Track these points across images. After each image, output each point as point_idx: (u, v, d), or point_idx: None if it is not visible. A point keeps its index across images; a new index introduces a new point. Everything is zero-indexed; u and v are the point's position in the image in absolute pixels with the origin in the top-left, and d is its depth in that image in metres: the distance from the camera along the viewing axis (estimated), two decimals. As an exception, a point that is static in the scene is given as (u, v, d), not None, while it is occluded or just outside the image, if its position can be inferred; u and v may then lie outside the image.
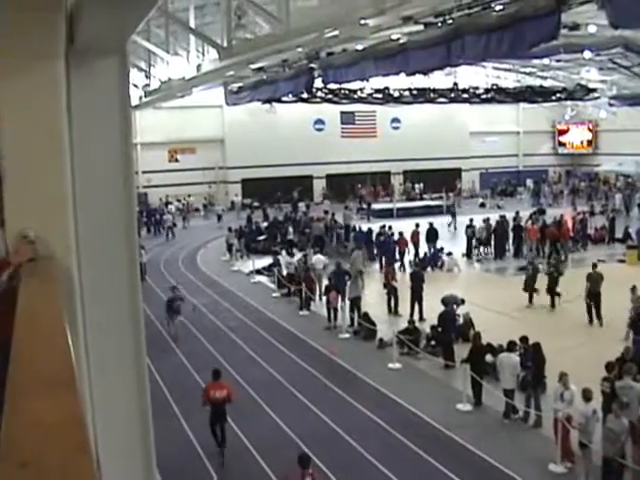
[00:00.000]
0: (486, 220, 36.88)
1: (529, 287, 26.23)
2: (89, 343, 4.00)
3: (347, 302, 24.69)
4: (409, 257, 33.98)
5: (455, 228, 42.47)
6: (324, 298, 26.20)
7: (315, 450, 14.98)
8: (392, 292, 26.10)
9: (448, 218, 44.09)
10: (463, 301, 23.46)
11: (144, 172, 54.03)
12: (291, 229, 40.47)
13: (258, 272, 33.96)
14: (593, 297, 24.10)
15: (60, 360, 1.84)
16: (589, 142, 68.15)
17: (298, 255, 33.47)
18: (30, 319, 2.28)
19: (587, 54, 33.08)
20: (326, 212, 44.74)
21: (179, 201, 56.04)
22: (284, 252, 37.22)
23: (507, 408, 16.58)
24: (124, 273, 4.50)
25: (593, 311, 23.89)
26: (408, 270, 30.46)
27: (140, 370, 4.61)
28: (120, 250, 4.44)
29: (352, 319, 24.34)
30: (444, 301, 22.54)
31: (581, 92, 48.77)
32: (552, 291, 25.82)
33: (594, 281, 24.39)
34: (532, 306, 25.89)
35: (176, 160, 59.30)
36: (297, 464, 12.18)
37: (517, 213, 38.75)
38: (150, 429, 4.64)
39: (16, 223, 3.23)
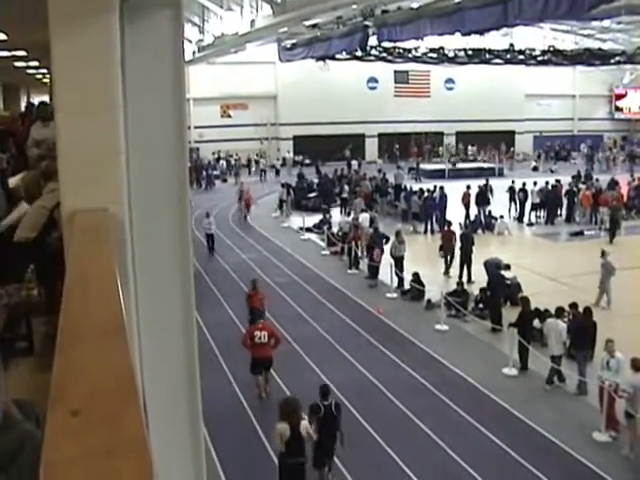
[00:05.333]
0: (543, 184, 36.41)
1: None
2: (139, 294, 4.06)
3: (392, 262, 24.62)
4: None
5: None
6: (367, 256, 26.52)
7: (357, 405, 15.19)
8: (449, 253, 25.96)
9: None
10: (508, 266, 23.28)
11: (196, 127, 54.30)
12: (347, 187, 40.36)
13: (308, 229, 34.01)
14: (614, 224, 30.90)
15: (110, 310, 1.87)
16: (647, 108, 66.58)
17: (352, 214, 33.47)
18: (81, 269, 2.32)
19: (650, 16, 32.21)
20: (379, 171, 44.69)
21: (231, 156, 55.86)
22: (338, 210, 37.35)
23: (550, 374, 16.49)
24: (175, 226, 4.54)
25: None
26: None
27: (188, 322, 4.67)
28: (171, 203, 4.48)
29: (400, 278, 24.32)
30: (486, 264, 22.43)
31: (641, 56, 47.53)
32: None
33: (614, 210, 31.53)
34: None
35: (228, 116, 59.35)
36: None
37: (573, 178, 38.12)
38: (197, 381, 4.72)
39: (69, 174, 3.27)
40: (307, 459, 11.82)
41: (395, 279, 24.26)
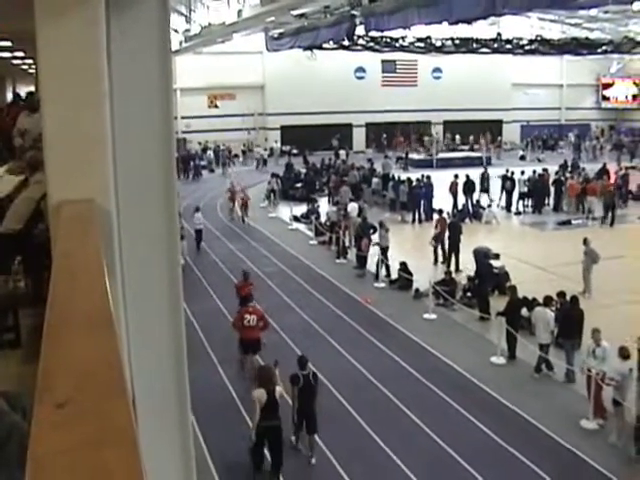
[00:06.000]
0: (530, 173, 36.51)
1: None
2: (126, 285, 4.05)
3: (378, 252, 24.61)
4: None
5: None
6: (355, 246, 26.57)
7: (345, 394, 15.23)
8: (441, 242, 26.00)
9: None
10: (497, 256, 23.33)
11: (183, 117, 54.09)
12: (334, 177, 40.32)
13: (296, 219, 33.97)
14: (611, 209, 31.98)
15: (97, 301, 1.86)
16: (634, 97, 66.76)
17: (339, 203, 33.45)
18: (68, 260, 2.31)
19: (636, 5, 32.22)
20: (369, 160, 44.73)
21: (218, 147, 55.60)
22: (325, 200, 37.27)
23: (539, 362, 16.56)
24: (162, 216, 4.52)
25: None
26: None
27: (176, 313, 4.66)
28: (158, 193, 4.46)
29: (387, 268, 24.32)
30: (475, 253, 22.48)
31: (628, 45, 47.67)
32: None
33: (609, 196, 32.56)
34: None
35: (215, 106, 59.18)
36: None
37: (560, 167, 38.15)
38: (185, 371, 4.71)
39: (55, 165, 3.26)
40: (281, 422, 12.36)
41: (382, 268, 24.26)
